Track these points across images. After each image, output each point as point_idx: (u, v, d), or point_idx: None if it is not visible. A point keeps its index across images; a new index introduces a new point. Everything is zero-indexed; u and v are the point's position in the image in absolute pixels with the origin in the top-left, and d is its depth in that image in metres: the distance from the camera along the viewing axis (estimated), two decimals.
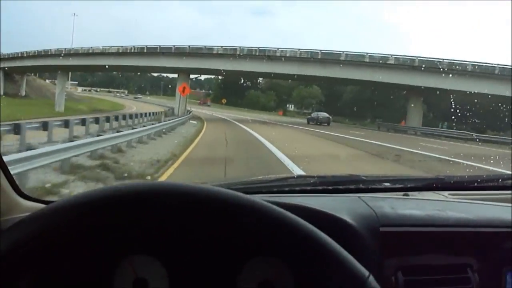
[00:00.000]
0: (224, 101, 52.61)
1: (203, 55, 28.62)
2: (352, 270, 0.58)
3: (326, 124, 29.88)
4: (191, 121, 23.36)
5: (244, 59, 27.09)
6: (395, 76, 25.64)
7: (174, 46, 29.30)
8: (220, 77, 58.89)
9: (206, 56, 28.59)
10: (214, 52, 28.58)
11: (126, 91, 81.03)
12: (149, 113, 21.91)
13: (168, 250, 0.70)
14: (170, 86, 64.98)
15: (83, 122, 12.13)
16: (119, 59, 30.91)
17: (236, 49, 28.01)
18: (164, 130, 14.27)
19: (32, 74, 44.70)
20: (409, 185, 1.24)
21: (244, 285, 0.70)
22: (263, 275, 0.70)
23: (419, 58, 25.75)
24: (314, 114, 34.22)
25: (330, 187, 1.17)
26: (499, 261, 0.88)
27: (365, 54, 26.70)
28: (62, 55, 32.85)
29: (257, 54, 28.08)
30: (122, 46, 31.20)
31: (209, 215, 0.60)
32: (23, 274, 0.60)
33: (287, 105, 57.68)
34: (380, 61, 26.38)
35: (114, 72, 78.33)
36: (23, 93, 40.34)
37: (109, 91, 78.31)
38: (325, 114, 33.00)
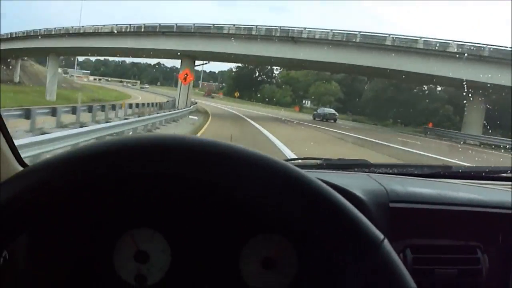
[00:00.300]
0: (237, 94, 49.60)
1: (211, 35, 23.31)
2: (367, 232, 0.52)
3: (332, 120, 29.01)
4: (190, 117, 18.40)
5: (262, 41, 21.73)
6: (453, 68, 19.52)
7: (176, 24, 24.19)
8: (234, 70, 55.65)
9: (215, 37, 23.24)
10: (225, 32, 23.28)
11: (138, 82, 78.89)
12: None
13: (170, 223, 0.69)
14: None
15: None
16: (114, 41, 26.20)
17: (251, 28, 22.70)
18: (138, 131, 9.29)
19: (26, 58, 41.45)
20: (416, 172, 1.21)
21: (247, 260, 0.69)
22: (266, 252, 0.69)
23: (489, 46, 19.68)
24: (320, 110, 33.08)
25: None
26: (509, 244, 0.87)
27: (418, 38, 20.75)
28: (52, 33, 28.69)
29: (278, 34, 22.63)
30: (117, 25, 26.38)
31: (211, 166, 0.53)
32: (19, 230, 0.56)
33: (303, 101, 53.31)
34: (438, 48, 20.20)
35: (127, 62, 76.79)
36: (17, 79, 37.53)
37: (120, 81, 76.55)
38: (332, 110, 32.22)
